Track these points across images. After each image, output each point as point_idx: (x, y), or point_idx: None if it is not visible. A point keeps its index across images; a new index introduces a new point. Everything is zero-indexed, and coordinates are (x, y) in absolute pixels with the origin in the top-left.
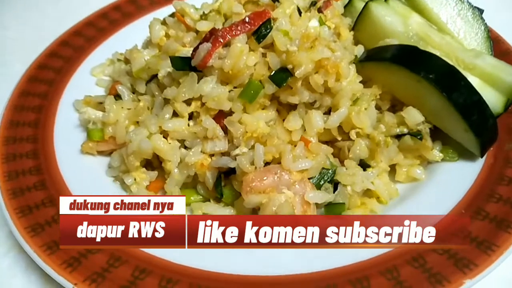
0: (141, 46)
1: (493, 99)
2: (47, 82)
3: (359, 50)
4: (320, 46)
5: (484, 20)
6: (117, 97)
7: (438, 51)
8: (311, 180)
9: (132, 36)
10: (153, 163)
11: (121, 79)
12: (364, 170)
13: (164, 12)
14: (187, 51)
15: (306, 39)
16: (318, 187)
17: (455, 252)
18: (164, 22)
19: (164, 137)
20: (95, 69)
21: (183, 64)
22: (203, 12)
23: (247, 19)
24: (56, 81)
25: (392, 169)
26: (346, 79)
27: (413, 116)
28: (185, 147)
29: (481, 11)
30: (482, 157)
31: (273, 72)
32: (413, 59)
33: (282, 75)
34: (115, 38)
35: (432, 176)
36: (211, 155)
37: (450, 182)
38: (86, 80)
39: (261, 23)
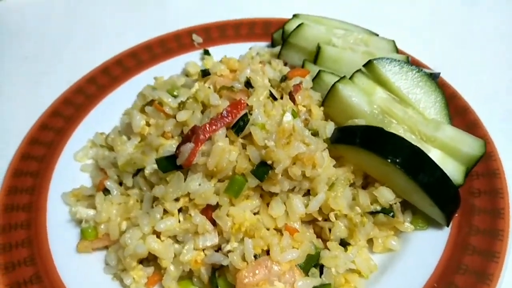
0: (120, 126)
1: (454, 170)
2: (32, 174)
3: (330, 127)
4: (295, 141)
5: (440, 89)
6: (106, 191)
7: (402, 126)
8: (298, 265)
9: (110, 109)
10: (149, 256)
11: (107, 170)
12: (345, 247)
13: (138, 80)
14: (170, 145)
15: (282, 135)
16: (306, 271)
17: None
18: (143, 110)
19: (156, 235)
20: (78, 154)
21: (168, 165)
22: (181, 101)
23: (225, 113)
24: (40, 172)
25: (369, 240)
26: (321, 167)
27: (385, 196)
28: (178, 241)
29: (437, 76)
30: (448, 226)
31: (255, 166)
32: (378, 143)
33: (264, 169)
34: (93, 114)
35: (405, 246)
36: (204, 249)
37: (422, 252)
38: (70, 167)
39: (238, 115)
